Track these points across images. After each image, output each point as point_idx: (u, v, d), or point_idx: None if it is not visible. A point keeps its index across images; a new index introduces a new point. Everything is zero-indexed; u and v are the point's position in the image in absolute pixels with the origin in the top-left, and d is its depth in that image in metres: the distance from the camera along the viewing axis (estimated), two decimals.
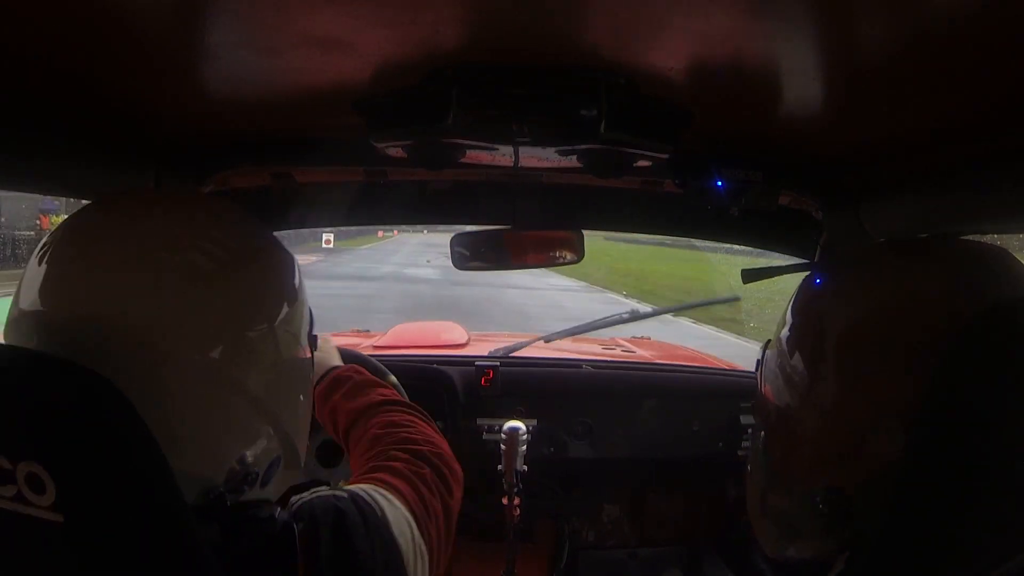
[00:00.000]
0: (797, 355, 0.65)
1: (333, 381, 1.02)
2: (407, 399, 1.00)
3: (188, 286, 0.58)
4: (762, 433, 0.70)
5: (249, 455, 0.62)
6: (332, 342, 1.18)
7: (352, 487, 0.71)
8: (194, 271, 0.58)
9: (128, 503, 0.50)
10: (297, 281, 0.69)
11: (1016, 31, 0.48)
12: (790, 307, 0.70)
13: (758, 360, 0.74)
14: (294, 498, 0.67)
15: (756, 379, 0.73)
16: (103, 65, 0.65)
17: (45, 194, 0.93)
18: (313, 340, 0.73)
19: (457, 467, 0.84)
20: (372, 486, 0.72)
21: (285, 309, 0.66)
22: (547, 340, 2.04)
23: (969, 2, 0.46)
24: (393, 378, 1.49)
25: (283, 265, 0.68)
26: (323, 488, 0.69)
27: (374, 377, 1.04)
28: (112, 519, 0.50)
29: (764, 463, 0.69)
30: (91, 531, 0.49)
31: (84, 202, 0.66)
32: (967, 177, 0.78)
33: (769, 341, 0.72)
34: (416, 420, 0.91)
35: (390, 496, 0.71)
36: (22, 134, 0.72)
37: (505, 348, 1.94)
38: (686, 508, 1.89)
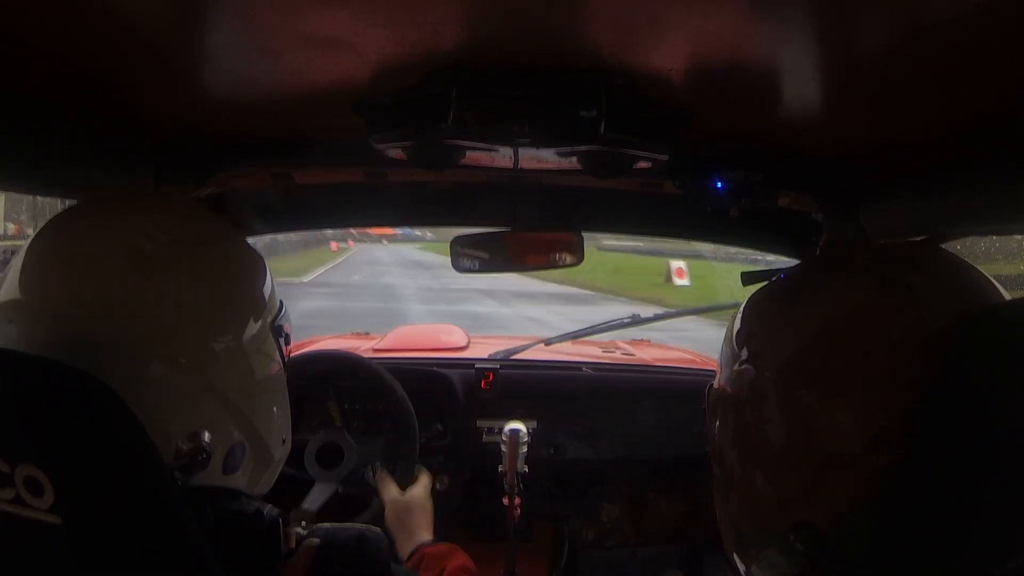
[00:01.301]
0: (743, 391, 0.62)
1: (446, 551, 1.08)
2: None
3: (141, 277, 0.61)
4: (723, 480, 0.66)
5: (204, 433, 0.62)
6: (425, 508, 1.25)
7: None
8: (148, 261, 0.62)
9: (126, 504, 0.50)
10: (266, 283, 0.72)
11: (1016, 31, 0.48)
12: (731, 340, 0.66)
13: (703, 408, 0.70)
14: (327, 524, 0.68)
15: (707, 423, 0.69)
16: (103, 65, 0.65)
17: (44, 195, 0.93)
18: (279, 330, 0.74)
19: None
20: None
21: (238, 293, 0.68)
22: (548, 343, 2.03)
23: (969, 3, 0.46)
24: (400, 389, 1.49)
25: (249, 266, 0.71)
26: (360, 524, 0.71)
27: (474, 567, 1.07)
28: (110, 520, 0.50)
29: (730, 511, 0.65)
30: (90, 532, 0.49)
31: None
32: (967, 178, 0.78)
33: (711, 386, 0.69)
34: None
35: None
36: (22, 134, 0.73)
37: (506, 351, 1.93)
38: (686, 508, 1.89)
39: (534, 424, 1.65)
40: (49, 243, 0.63)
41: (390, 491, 1.27)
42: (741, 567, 0.64)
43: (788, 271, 0.69)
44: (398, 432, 1.49)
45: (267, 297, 0.72)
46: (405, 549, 1.13)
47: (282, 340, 0.74)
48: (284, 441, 0.75)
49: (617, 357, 2.20)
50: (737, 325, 0.66)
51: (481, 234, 1.25)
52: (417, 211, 1.40)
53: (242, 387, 0.66)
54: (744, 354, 0.63)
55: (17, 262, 0.62)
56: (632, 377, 1.92)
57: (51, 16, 0.52)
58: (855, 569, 0.52)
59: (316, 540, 0.63)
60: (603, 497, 1.88)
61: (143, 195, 0.76)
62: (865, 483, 0.52)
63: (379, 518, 1.38)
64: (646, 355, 2.26)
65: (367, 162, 1.03)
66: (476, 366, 1.76)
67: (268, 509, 0.63)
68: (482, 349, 1.99)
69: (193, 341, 0.62)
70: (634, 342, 2.53)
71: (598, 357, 2.17)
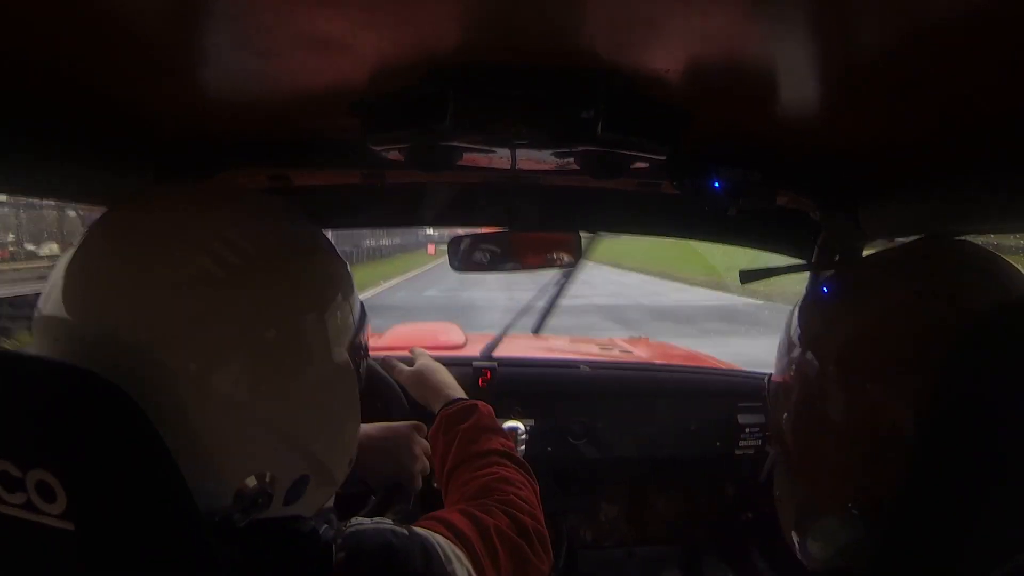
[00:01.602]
0: (804, 378, 0.68)
1: (460, 412, 1.02)
2: (511, 451, 0.98)
3: (204, 301, 0.55)
4: (786, 461, 0.72)
5: (266, 475, 0.58)
6: (436, 368, 1.19)
7: (423, 532, 0.68)
8: (212, 283, 0.56)
9: (139, 512, 0.49)
10: (351, 300, 0.66)
11: (1014, 31, 0.48)
12: (788, 333, 0.73)
13: (763, 395, 0.77)
14: (354, 520, 0.64)
15: (766, 410, 0.76)
16: (100, 67, 0.65)
17: (41, 197, 0.92)
18: (357, 349, 0.68)
19: (548, 546, 0.83)
20: (448, 542, 0.69)
21: (316, 320, 0.61)
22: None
23: (967, 4, 0.46)
24: (392, 382, 1.49)
25: (333, 285, 0.64)
26: (386, 521, 0.66)
27: (496, 422, 1.03)
28: (123, 528, 0.49)
29: (794, 489, 0.71)
30: (101, 540, 0.48)
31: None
32: (965, 177, 0.78)
33: (770, 376, 0.75)
34: (526, 483, 0.89)
35: (463, 559, 0.68)
36: (18, 136, 0.72)
37: (491, 341, 1.91)
38: (684, 507, 1.89)
39: (532, 422, 1.65)
40: (96, 252, 0.58)
41: (401, 371, 1.22)
42: (798, 545, 0.70)
43: (839, 274, 0.75)
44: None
45: (351, 317, 0.65)
46: (436, 412, 1.09)
47: (360, 358, 0.68)
48: (350, 462, 0.70)
49: (615, 355, 2.20)
50: (795, 323, 0.73)
51: (479, 234, 1.25)
52: (415, 212, 1.40)
53: (311, 422, 0.61)
54: (803, 348, 0.70)
55: (61, 269, 0.57)
56: (630, 375, 1.93)
57: (49, 17, 0.52)
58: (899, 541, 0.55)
59: (342, 554, 0.60)
60: (601, 496, 1.88)
61: (205, 191, 0.66)
62: (911, 458, 0.56)
63: (379, 514, 1.38)
64: (644, 353, 2.26)
65: (365, 163, 1.03)
66: (473, 364, 1.75)
67: (324, 529, 0.60)
68: (480, 348, 1.99)
69: (258, 376, 0.56)
70: (632, 340, 2.54)
71: (596, 355, 2.18)
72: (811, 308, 0.72)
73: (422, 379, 1.17)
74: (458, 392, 1.12)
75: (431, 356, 1.25)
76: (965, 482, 0.51)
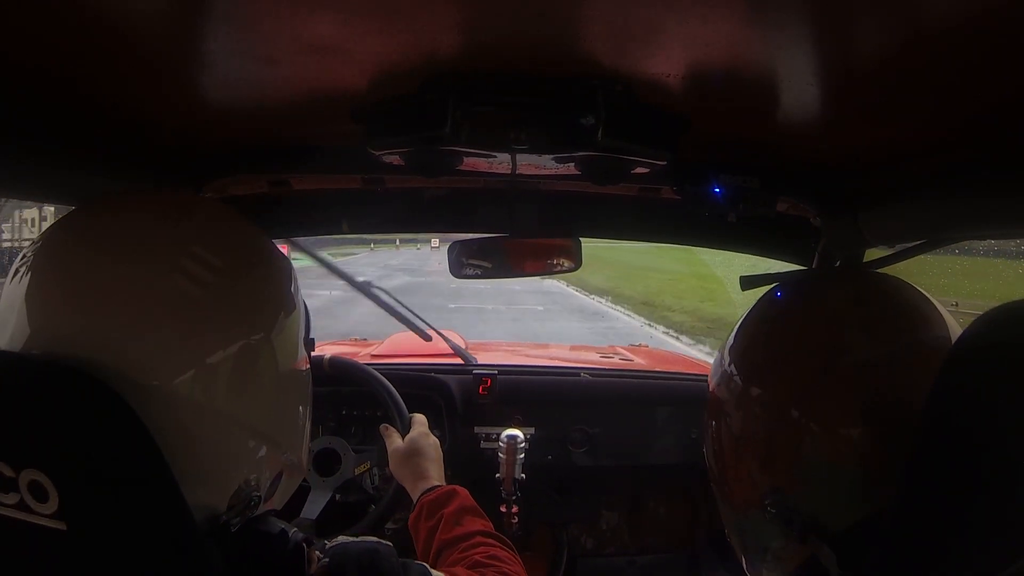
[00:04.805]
0: (720, 392, 0.72)
1: (441, 497, 1.06)
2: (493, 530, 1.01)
3: (173, 318, 0.54)
4: (716, 482, 0.75)
5: (252, 479, 0.60)
6: (425, 449, 1.22)
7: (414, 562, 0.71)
8: (178, 299, 0.54)
9: (131, 512, 0.50)
10: (293, 289, 0.66)
11: (1011, 36, 0.48)
12: (723, 352, 0.75)
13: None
14: (340, 537, 0.67)
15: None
16: (100, 72, 0.65)
17: (41, 202, 0.92)
18: (310, 343, 0.71)
19: None
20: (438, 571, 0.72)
21: (279, 324, 0.62)
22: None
23: (964, 8, 0.46)
24: (397, 396, 1.48)
25: (273, 279, 0.64)
26: (372, 538, 0.69)
27: (475, 503, 1.06)
28: (115, 528, 0.49)
29: (727, 510, 0.73)
30: (93, 540, 0.49)
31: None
32: (965, 182, 0.78)
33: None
34: (513, 559, 0.92)
35: None
36: (18, 140, 0.72)
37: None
38: (685, 515, 1.89)
39: (532, 430, 1.65)
40: (56, 263, 0.55)
41: (393, 441, 1.25)
42: (747, 566, 0.71)
43: (765, 294, 0.77)
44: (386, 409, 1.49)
45: (295, 308, 0.66)
46: (414, 497, 1.12)
47: (310, 349, 0.71)
48: (310, 450, 0.74)
49: (615, 363, 2.20)
50: (731, 341, 0.75)
51: (479, 240, 1.25)
52: (414, 218, 1.40)
53: (283, 421, 0.64)
54: (731, 366, 0.73)
55: (23, 283, 0.54)
56: (631, 383, 1.92)
57: (49, 24, 0.52)
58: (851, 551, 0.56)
59: (326, 560, 0.62)
60: (602, 504, 1.88)
61: (165, 201, 0.64)
62: (813, 452, 0.61)
63: (379, 524, 1.38)
64: (644, 361, 2.26)
65: (365, 169, 1.03)
66: (474, 372, 1.75)
67: (293, 532, 0.62)
68: (481, 356, 1.99)
69: (239, 386, 0.57)
70: (632, 348, 2.54)
71: (596, 363, 2.17)
72: (741, 322, 0.75)
73: (408, 459, 1.20)
74: (438, 479, 1.16)
75: (431, 363, 1.25)
76: (960, 491, 0.50)
